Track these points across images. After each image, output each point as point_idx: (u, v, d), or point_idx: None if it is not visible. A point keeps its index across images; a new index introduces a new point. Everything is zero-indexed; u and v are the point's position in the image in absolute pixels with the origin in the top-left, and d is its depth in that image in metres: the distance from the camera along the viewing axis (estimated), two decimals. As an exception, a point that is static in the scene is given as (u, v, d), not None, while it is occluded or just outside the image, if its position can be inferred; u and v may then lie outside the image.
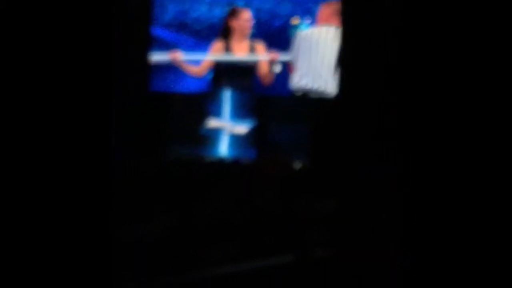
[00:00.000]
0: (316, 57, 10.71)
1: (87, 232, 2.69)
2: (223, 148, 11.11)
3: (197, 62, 11.21)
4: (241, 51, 10.95)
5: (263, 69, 10.93)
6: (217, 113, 11.92)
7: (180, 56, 10.92)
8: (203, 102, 11.91)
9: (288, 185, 6.75)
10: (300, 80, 10.93)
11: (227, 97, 11.86)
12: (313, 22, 10.73)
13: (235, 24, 10.91)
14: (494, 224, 2.55)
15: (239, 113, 11.87)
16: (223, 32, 10.96)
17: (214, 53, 11.03)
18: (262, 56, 10.88)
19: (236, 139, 11.71)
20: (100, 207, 2.69)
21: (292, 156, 10.24)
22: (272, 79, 11.06)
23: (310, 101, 11.27)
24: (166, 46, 11.18)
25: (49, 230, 2.65)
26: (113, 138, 2.88)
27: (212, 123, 11.78)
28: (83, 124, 2.61)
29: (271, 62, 10.88)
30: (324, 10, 10.63)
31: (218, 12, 11.22)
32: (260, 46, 10.85)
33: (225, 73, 11.23)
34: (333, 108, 10.75)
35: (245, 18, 10.86)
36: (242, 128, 11.74)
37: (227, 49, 11.02)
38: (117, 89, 3.07)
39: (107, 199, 2.75)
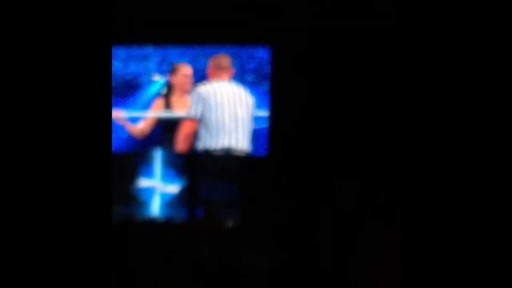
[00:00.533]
0: (224, 114, 10.50)
1: None
2: (155, 208, 11.10)
3: (135, 120, 11.09)
4: (181, 107, 10.86)
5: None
6: (148, 173, 11.90)
7: (121, 114, 10.75)
8: (134, 162, 11.86)
9: (221, 242, 6.80)
10: (211, 140, 10.76)
11: (157, 157, 11.86)
12: (204, 77, 10.73)
13: (175, 80, 10.85)
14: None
15: (169, 173, 11.87)
16: (166, 88, 10.86)
17: (155, 110, 10.91)
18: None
19: (167, 199, 11.69)
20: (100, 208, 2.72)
21: (224, 214, 10.28)
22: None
23: (238, 159, 11.37)
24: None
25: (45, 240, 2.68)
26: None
27: (144, 182, 11.73)
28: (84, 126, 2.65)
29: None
30: (212, 64, 10.56)
31: (133, 68, 11.08)
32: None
33: (167, 130, 11.05)
34: (262, 165, 10.90)
35: (184, 74, 10.80)
36: (173, 187, 11.73)
37: (168, 105, 10.94)
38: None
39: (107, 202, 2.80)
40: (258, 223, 9.33)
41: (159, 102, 10.97)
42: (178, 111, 10.95)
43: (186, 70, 10.89)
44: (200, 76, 10.67)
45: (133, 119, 11.09)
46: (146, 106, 11.09)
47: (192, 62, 10.91)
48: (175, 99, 10.98)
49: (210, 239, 7.14)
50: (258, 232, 7.69)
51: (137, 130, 11.05)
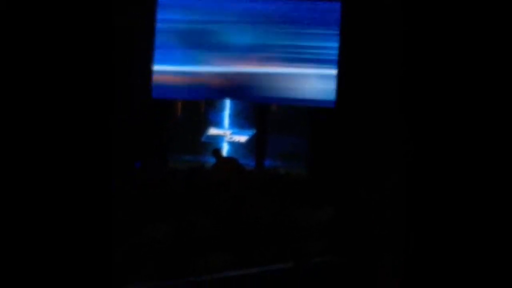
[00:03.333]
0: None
1: (88, 236, 2.80)
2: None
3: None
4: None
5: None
6: (218, 122, 12.05)
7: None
8: (204, 111, 12.04)
9: (287, 194, 6.85)
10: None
11: (227, 107, 11.98)
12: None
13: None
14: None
15: (239, 122, 12.00)
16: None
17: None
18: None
19: (236, 148, 11.83)
20: (101, 211, 2.79)
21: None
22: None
23: (309, 111, 11.39)
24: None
25: (49, 234, 2.75)
26: (114, 144, 2.98)
27: (213, 131, 11.89)
28: (85, 129, 2.71)
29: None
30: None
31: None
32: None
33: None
34: (331, 118, 10.89)
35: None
36: (242, 137, 11.86)
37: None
38: (120, 95, 3.18)
39: (108, 205, 2.86)
40: (325, 176, 9.38)
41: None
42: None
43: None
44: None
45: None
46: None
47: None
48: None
49: (275, 191, 7.21)
50: (324, 186, 7.72)
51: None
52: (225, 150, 11.76)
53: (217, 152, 9.16)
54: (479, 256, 2.61)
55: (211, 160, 9.69)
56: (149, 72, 11.16)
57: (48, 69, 2.80)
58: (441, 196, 2.70)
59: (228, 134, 11.85)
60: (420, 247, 2.75)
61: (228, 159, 9.23)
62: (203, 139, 11.70)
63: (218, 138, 11.80)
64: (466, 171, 2.62)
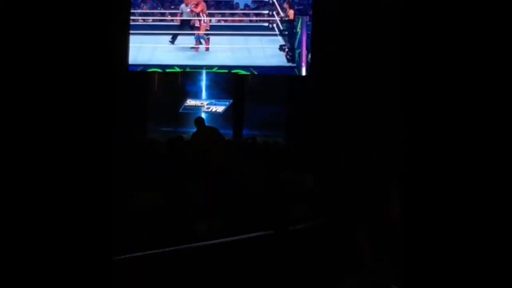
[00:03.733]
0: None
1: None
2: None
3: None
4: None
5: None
6: (195, 93, 12.13)
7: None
8: (181, 82, 12.10)
9: (268, 161, 6.97)
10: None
11: (203, 78, 12.05)
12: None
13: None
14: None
15: (215, 93, 12.09)
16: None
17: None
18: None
19: (213, 118, 11.92)
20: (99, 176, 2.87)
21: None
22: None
23: (284, 79, 11.49)
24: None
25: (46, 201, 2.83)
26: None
27: (190, 102, 11.97)
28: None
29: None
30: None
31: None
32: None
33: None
34: (308, 86, 11.01)
35: None
36: (219, 107, 11.96)
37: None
38: (96, 68, 3.24)
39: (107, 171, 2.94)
40: (304, 144, 9.52)
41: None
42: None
43: None
44: None
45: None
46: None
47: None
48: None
49: (257, 158, 7.33)
50: (304, 153, 7.85)
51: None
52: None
53: (199, 121, 9.15)
54: (476, 255, 2.67)
55: (190, 131, 9.75)
56: (126, 44, 11.15)
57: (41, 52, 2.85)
58: (439, 194, 2.75)
59: (205, 105, 11.94)
60: (419, 249, 2.80)
61: (209, 128, 9.27)
62: (180, 110, 11.78)
63: (195, 109, 11.89)
64: (464, 170, 2.67)
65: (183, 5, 11.35)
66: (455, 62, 2.65)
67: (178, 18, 11.39)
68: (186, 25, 11.41)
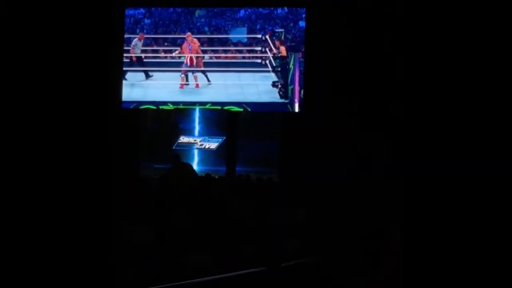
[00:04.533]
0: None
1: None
2: (194, 163, 11.36)
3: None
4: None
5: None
6: (188, 130, 12.16)
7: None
8: (174, 120, 12.14)
9: (261, 196, 6.97)
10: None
11: (196, 115, 12.10)
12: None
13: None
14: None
15: (208, 130, 12.12)
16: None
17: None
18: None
19: (206, 155, 11.95)
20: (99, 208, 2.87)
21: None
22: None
23: (277, 116, 11.52)
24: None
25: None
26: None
27: (183, 139, 12.00)
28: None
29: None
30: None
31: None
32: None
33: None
34: (299, 122, 11.04)
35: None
36: (212, 143, 11.98)
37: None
38: (90, 105, 3.23)
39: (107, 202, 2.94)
40: (295, 178, 9.52)
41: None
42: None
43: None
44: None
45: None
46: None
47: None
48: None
49: (249, 193, 7.32)
50: (296, 187, 7.84)
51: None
52: (195, 157, 11.91)
53: (175, 157, 9.30)
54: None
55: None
56: (119, 82, 11.19)
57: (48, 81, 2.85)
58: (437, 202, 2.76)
59: (198, 142, 11.96)
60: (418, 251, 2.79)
61: (183, 165, 9.35)
62: (174, 147, 11.79)
63: (188, 146, 11.91)
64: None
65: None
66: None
67: (176, 54, 11.47)
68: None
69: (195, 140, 11.99)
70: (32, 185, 2.84)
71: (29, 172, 2.84)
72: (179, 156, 9.47)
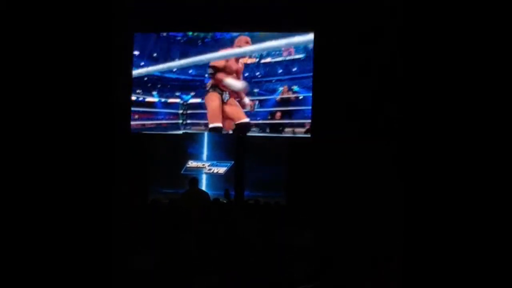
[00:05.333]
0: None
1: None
2: (202, 188, 11.38)
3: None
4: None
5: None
6: (196, 155, 12.21)
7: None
8: (182, 144, 12.17)
9: (269, 220, 6.99)
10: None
11: (205, 139, 12.16)
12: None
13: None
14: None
15: (217, 154, 12.16)
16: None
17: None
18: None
19: (214, 179, 11.98)
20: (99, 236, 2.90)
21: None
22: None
23: (285, 140, 11.54)
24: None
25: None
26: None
27: (192, 164, 12.04)
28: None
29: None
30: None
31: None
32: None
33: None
34: (307, 148, 11.06)
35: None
36: (220, 168, 12.01)
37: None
38: (98, 130, 3.28)
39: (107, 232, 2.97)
40: (303, 201, 9.52)
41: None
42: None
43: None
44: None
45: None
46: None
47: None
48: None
49: (256, 217, 7.35)
50: (303, 210, 7.86)
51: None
52: (203, 182, 11.94)
53: (192, 181, 9.29)
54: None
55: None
56: (129, 107, 11.27)
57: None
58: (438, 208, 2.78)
59: (206, 166, 12.01)
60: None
61: (199, 191, 9.37)
62: (182, 171, 11.84)
63: (197, 171, 11.95)
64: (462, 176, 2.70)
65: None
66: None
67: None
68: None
69: (203, 165, 12.05)
70: (36, 206, 2.89)
71: (32, 193, 2.88)
72: (197, 181, 9.49)
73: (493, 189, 2.75)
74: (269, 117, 11.20)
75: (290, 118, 11.17)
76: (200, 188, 9.90)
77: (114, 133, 3.17)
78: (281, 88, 11.19)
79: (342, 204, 8.39)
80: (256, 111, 11.24)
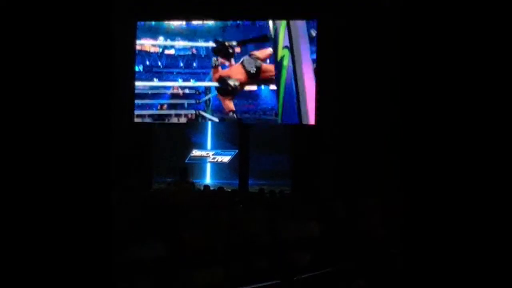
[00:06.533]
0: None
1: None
2: (207, 177, 11.36)
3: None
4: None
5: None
6: (200, 144, 12.15)
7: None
8: (186, 133, 12.13)
9: (274, 209, 6.93)
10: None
11: (209, 128, 12.10)
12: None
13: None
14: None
15: (221, 143, 12.11)
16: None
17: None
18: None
19: (219, 168, 11.94)
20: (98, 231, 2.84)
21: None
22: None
23: (290, 128, 11.49)
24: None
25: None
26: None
27: (196, 153, 11.98)
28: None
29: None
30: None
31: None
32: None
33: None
34: (312, 136, 11.00)
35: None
36: (225, 157, 11.96)
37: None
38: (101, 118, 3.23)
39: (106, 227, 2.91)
40: (308, 192, 9.47)
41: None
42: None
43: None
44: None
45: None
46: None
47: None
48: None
49: (261, 207, 7.28)
50: (308, 201, 7.80)
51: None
52: (208, 170, 11.92)
53: (183, 171, 9.30)
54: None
55: (195, 181, 9.78)
56: (131, 96, 11.24)
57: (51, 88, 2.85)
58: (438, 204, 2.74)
59: (210, 155, 11.97)
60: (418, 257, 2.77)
61: (182, 184, 9.37)
62: (186, 160, 11.79)
63: (201, 159, 11.92)
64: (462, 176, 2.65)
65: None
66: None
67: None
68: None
69: (207, 154, 12.01)
70: (35, 201, 2.82)
71: (33, 187, 2.82)
72: (187, 172, 9.47)
73: (493, 189, 2.68)
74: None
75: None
76: (185, 180, 9.88)
77: (114, 123, 3.10)
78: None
79: (347, 192, 8.34)
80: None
